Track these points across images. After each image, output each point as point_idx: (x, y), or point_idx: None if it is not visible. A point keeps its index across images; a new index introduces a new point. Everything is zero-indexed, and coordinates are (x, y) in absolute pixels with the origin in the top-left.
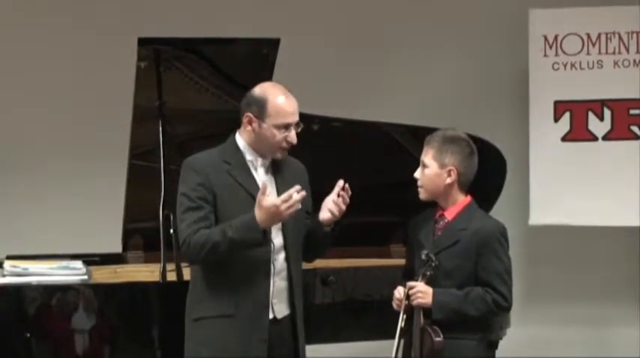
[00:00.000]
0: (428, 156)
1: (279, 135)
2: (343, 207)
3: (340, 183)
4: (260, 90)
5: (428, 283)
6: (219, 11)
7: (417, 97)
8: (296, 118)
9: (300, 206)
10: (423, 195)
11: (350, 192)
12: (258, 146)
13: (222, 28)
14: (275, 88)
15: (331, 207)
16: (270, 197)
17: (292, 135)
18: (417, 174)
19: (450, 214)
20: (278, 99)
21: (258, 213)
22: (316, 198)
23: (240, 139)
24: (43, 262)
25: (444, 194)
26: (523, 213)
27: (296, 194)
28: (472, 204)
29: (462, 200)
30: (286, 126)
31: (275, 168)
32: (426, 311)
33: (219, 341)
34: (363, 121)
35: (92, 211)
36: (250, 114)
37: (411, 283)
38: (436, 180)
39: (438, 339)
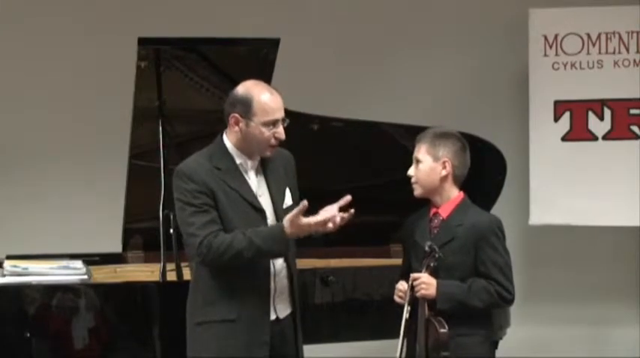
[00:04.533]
0: (421, 152)
1: (267, 132)
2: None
3: (348, 198)
4: (243, 89)
5: (432, 274)
6: (220, 11)
7: (416, 97)
8: (282, 114)
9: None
10: (417, 191)
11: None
12: (246, 146)
13: (222, 28)
14: (258, 85)
15: (336, 220)
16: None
17: (280, 131)
18: (411, 171)
19: (444, 212)
20: (263, 96)
21: (289, 229)
22: (316, 198)
23: (228, 141)
24: (43, 262)
25: (439, 189)
26: (523, 213)
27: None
28: (465, 199)
29: (456, 196)
30: (274, 123)
31: (264, 167)
32: (431, 302)
33: (222, 344)
34: (363, 121)
35: (92, 211)
36: (236, 115)
37: (414, 274)
38: (431, 174)
39: (443, 330)
